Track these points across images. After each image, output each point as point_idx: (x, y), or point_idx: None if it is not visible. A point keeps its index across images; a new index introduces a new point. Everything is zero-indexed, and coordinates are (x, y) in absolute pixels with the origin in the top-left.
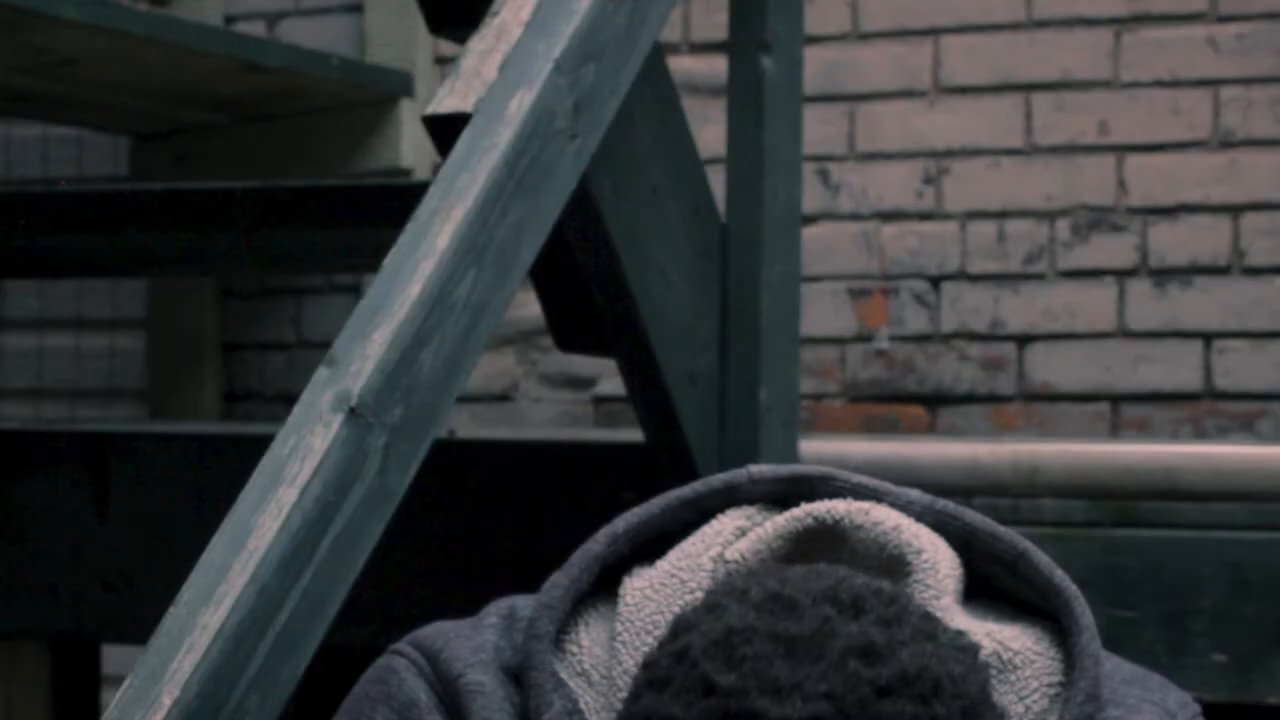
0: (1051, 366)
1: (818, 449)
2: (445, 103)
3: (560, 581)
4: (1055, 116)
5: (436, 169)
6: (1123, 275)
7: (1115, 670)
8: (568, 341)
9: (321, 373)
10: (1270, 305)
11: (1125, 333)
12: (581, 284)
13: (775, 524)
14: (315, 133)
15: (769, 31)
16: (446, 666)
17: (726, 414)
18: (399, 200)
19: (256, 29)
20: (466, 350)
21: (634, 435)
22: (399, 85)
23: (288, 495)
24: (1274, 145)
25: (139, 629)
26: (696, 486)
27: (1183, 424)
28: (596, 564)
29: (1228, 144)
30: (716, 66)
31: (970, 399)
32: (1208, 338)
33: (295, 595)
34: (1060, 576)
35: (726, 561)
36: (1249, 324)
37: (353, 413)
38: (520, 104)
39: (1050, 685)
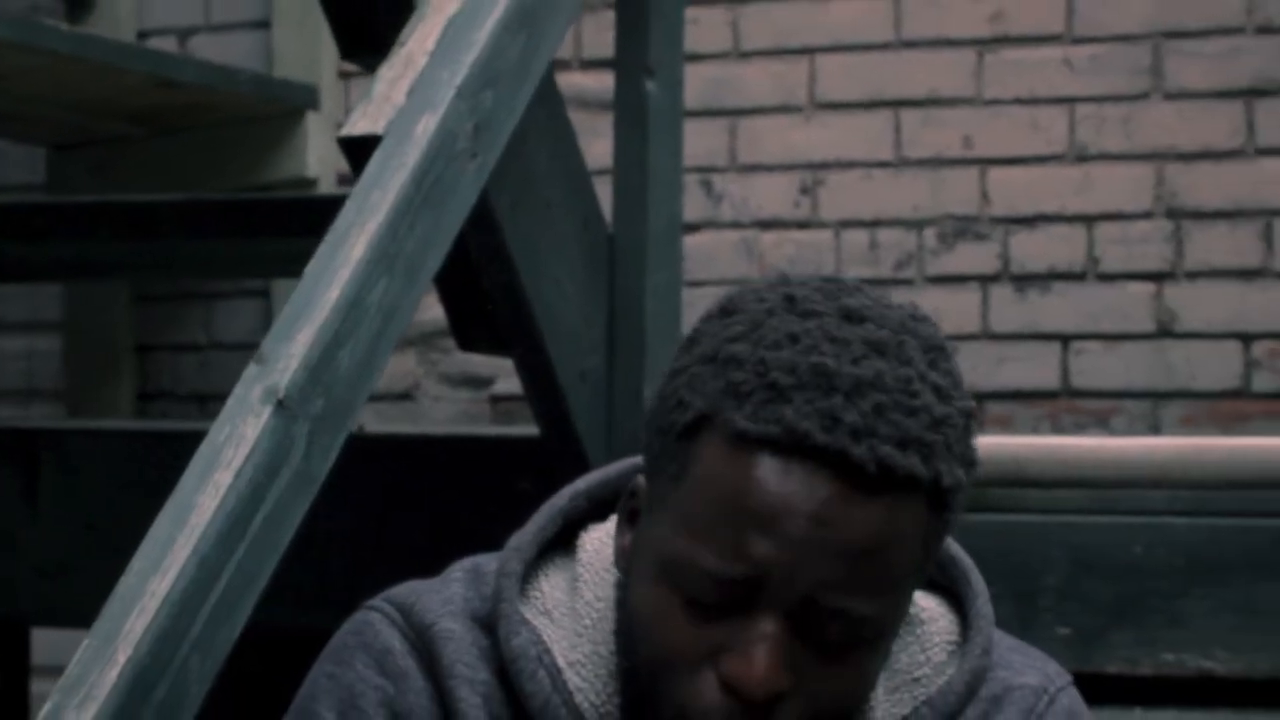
0: None
1: None
2: (358, 125)
3: (528, 530)
4: (923, 131)
5: (340, 179)
6: (986, 281)
7: (1002, 639)
8: (468, 342)
9: (252, 369)
10: (1122, 309)
11: (988, 335)
12: (481, 289)
13: None
14: (226, 144)
15: (652, 57)
16: (419, 618)
17: (614, 410)
18: (310, 212)
19: (169, 44)
20: (378, 350)
21: (530, 430)
22: (305, 99)
23: (224, 478)
24: (1126, 159)
25: (70, 613)
26: (626, 493)
27: (1042, 420)
28: (560, 516)
29: (1083, 158)
30: (606, 83)
31: None
32: (1065, 339)
33: (231, 567)
34: (957, 549)
35: (619, 550)
36: (1103, 326)
37: (280, 405)
38: (426, 127)
39: (949, 641)
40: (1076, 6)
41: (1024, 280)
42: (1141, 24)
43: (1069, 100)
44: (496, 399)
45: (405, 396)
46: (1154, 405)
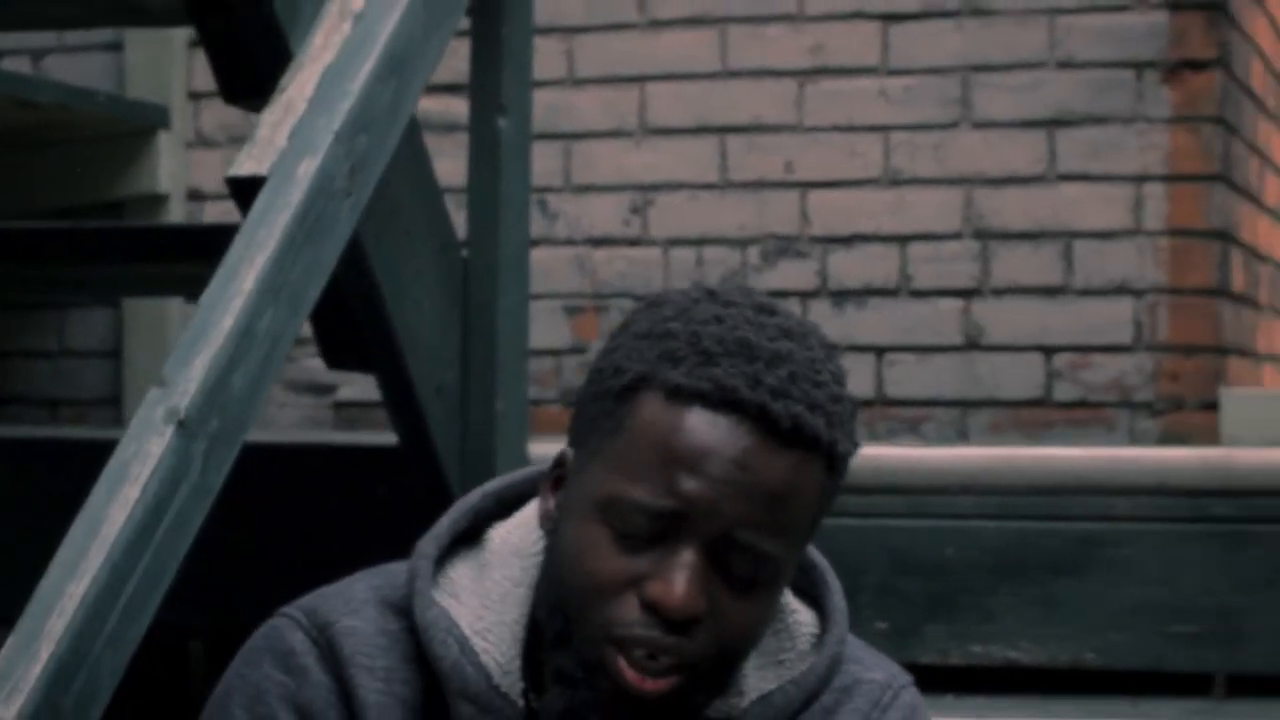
0: None
1: (548, 450)
2: (244, 166)
3: (443, 522)
4: (747, 156)
5: (190, 194)
6: (806, 296)
7: (853, 640)
8: (335, 360)
9: (154, 392)
10: (933, 323)
11: None
12: (347, 311)
13: None
14: (81, 161)
15: (504, 96)
16: (322, 618)
17: (468, 421)
18: (157, 238)
19: (22, 64)
20: (266, 373)
21: (386, 438)
22: (156, 118)
23: (132, 492)
24: (936, 184)
25: None
26: (546, 467)
27: (858, 427)
28: (471, 512)
29: (896, 182)
30: (448, 106)
31: None
32: (879, 351)
33: (139, 572)
34: (816, 554)
35: (544, 513)
36: (915, 339)
37: (181, 425)
38: (308, 169)
39: (811, 634)
40: (891, 41)
41: (841, 296)
42: (951, 58)
43: (884, 128)
44: (340, 405)
45: None
46: (962, 413)
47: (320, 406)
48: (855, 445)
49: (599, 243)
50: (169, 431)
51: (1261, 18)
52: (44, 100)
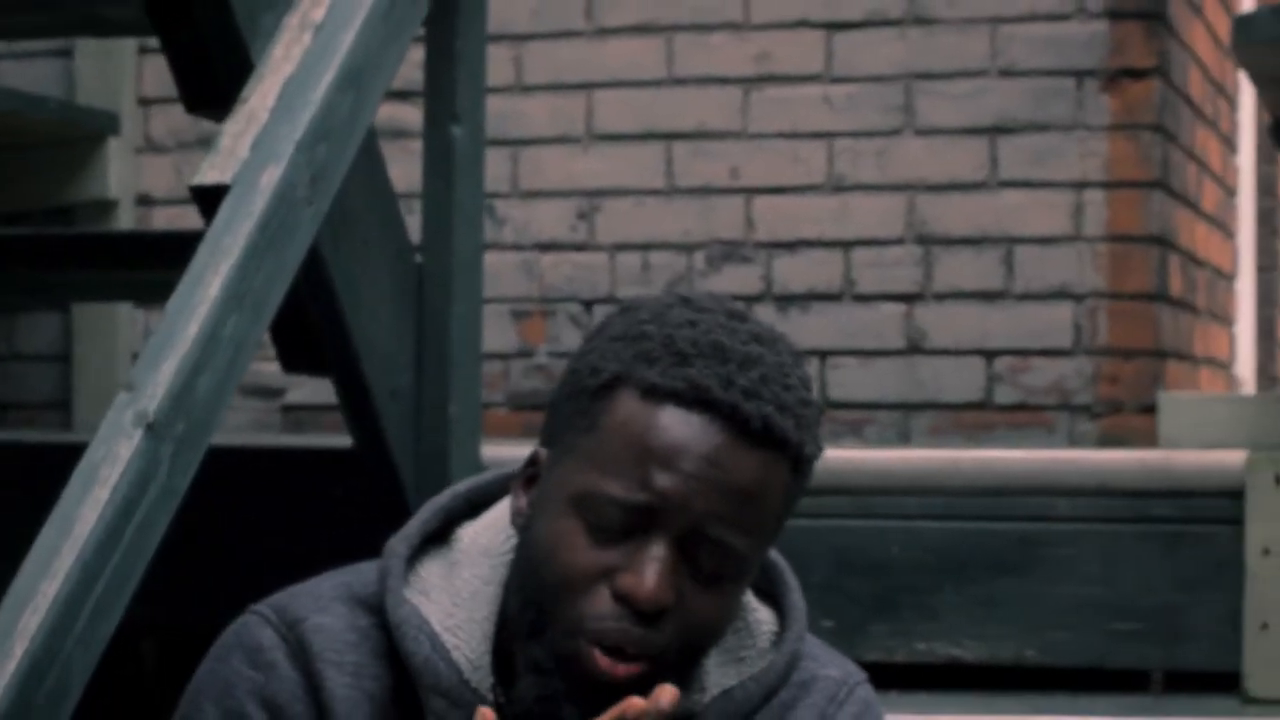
0: None
1: (498, 453)
2: (208, 175)
3: (414, 522)
4: (693, 162)
5: (140, 199)
6: (750, 300)
7: (810, 638)
8: (292, 364)
9: (123, 396)
10: (876, 327)
11: None
12: (305, 317)
13: None
14: (31, 166)
15: (459, 105)
16: (291, 615)
17: (422, 425)
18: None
19: None
20: (230, 378)
21: (342, 441)
22: (106, 125)
23: (102, 493)
24: (879, 190)
25: None
26: (515, 469)
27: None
28: (442, 512)
29: (840, 188)
30: (396, 112)
31: None
32: (823, 355)
33: (109, 571)
34: (775, 555)
35: (516, 510)
36: (858, 343)
37: (149, 428)
38: (270, 178)
39: (771, 633)
40: (834, 49)
41: (785, 300)
42: (894, 66)
43: (828, 135)
44: (287, 408)
45: None
46: (904, 416)
47: (269, 410)
48: (820, 449)
49: (546, 248)
50: (137, 434)
51: (1200, 27)
52: None
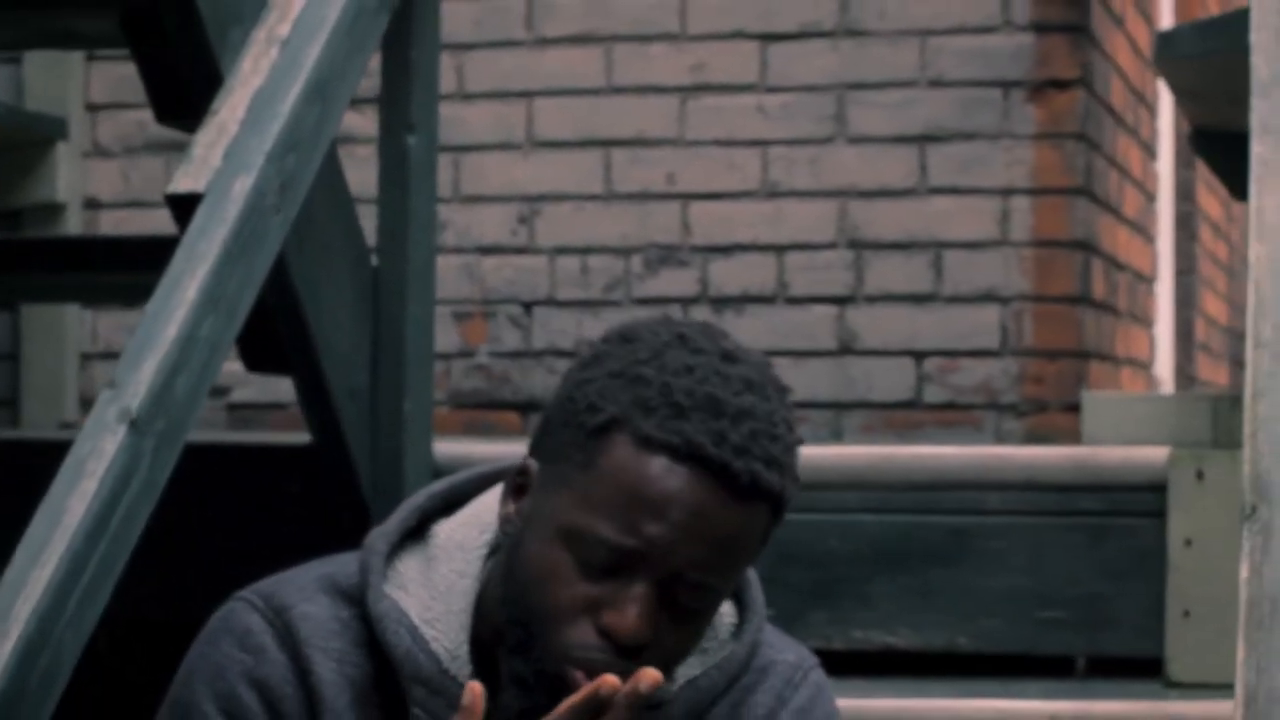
0: None
1: (448, 449)
2: (182, 183)
3: (392, 520)
4: (631, 168)
5: (87, 202)
6: (687, 303)
7: (767, 626)
8: (255, 364)
9: (106, 393)
10: (808, 329)
11: None
12: (269, 319)
13: None
14: None
15: (413, 115)
16: (279, 601)
17: (378, 422)
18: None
19: None
20: (205, 378)
21: (297, 438)
22: (55, 130)
23: (89, 485)
24: (812, 196)
25: None
26: (488, 469)
27: None
28: (417, 511)
29: (774, 194)
30: (346, 120)
31: None
32: None
33: (96, 559)
34: None
35: (504, 517)
36: (791, 344)
37: (133, 424)
38: (242, 186)
39: (731, 624)
40: (769, 59)
41: (721, 302)
42: (827, 76)
43: (762, 143)
44: (233, 406)
45: None
46: (836, 414)
47: (215, 408)
48: (799, 485)
49: (487, 251)
50: (121, 430)
51: (1121, 38)
52: None
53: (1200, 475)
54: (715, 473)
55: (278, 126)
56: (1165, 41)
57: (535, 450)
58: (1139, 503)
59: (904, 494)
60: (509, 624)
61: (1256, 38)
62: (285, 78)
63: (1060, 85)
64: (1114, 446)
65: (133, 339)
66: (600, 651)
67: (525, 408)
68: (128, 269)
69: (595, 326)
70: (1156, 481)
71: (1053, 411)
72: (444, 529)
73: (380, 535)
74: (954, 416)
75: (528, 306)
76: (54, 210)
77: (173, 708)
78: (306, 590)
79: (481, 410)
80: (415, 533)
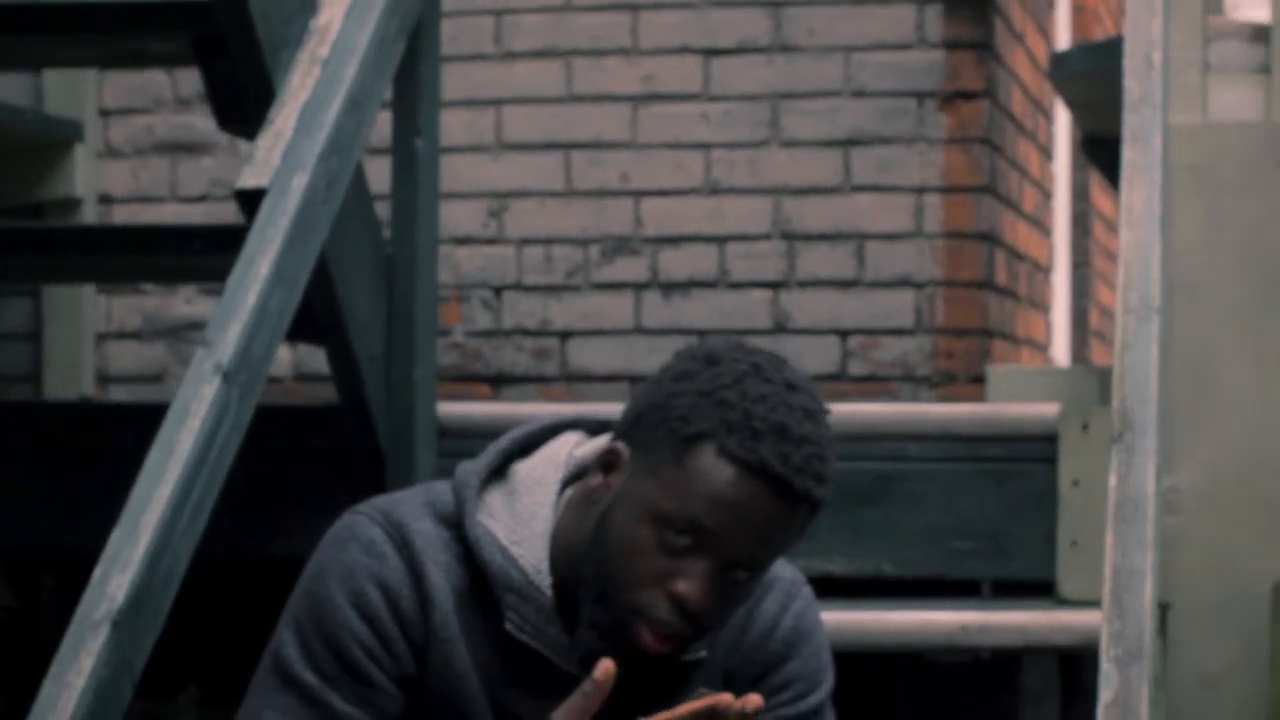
0: (586, 356)
1: (448, 409)
2: (249, 180)
3: (480, 460)
4: (589, 169)
5: (101, 198)
6: (639, 288)
7: None
8: (293, 335)
9: (200, 350)
10: (747, 310)
11: (641, 331)
12: (306, 296)
13: (597, 442)
14: (6, 169)
15: (420, 123)
16: (397, 518)
17: (392, 386)
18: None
19: None
20: (275, 341)
21: (328, 400)
22: (72, 132)
23: (194, 423)
24: (750, 193)
25: None
26: (549, 421)
27: None
28: (501, 453)
29: (716, 191)
30: None
31: (525, 380)
32: (701, 334)
33: (200, 484)
34: None
35: (573, 456)
36: (731, 324)
37: (225, 376)
38: (299, 182)
39: None
40: (711, 72)
41: (669, 288)
42: (763, 87)
43: (705, 146)
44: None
45: (156, 379)
46: None
47: None
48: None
49: (461, 241)
50: (216, 380)
51: (1022, 54)
52: None
53: (1085, 427)
54: (778, 486)
55: (324, 133)
56: (1059, 61)
57: (626, 436)
58: (1035, 451)
59: (839, 444)
60: (594, 577)
61: (1128, 63)
62: (327, 92)
63: (968, 96)
64: (1014, 404)
65: (219, 306)
66: (668, 614)
67: (496, 380)
68: (138, 254)
69: (558, 309)
70: (1049, 433)
71: (961, 383)
72: (523, 468)
73: (471, 471)
74: (875, 387)
75: (498, 291)
76: (72, 204)
77: (307, 599)
78: (417, 511)
79: (457, 383)
80: (498, 471)
